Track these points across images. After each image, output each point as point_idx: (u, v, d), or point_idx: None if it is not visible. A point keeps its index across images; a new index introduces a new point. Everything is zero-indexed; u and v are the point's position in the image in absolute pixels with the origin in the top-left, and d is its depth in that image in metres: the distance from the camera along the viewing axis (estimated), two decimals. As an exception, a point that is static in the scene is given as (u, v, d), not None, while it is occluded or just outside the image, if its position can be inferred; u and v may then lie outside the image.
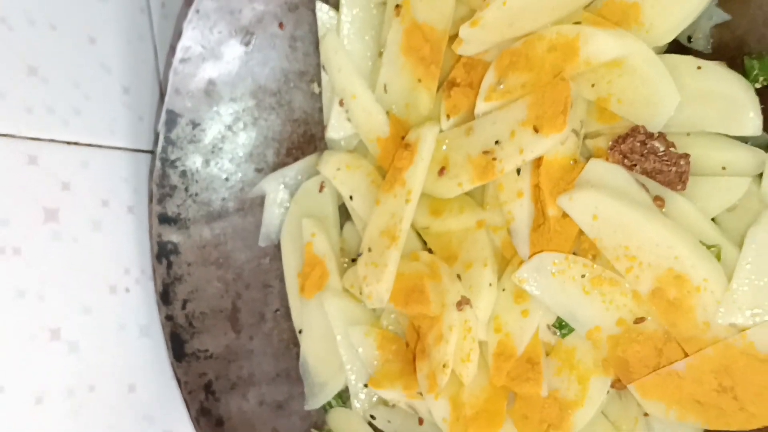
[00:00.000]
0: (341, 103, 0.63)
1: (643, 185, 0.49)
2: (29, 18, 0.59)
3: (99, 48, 0.65)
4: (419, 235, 0.60)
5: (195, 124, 0.64)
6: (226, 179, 0.66)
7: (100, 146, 0.64)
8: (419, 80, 0.58)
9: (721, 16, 0.51)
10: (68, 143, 0.61)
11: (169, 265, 0.64)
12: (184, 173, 0.64)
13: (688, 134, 0.50)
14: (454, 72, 0.58)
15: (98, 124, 0.64)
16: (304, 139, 0.67)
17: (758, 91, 0.49)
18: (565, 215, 0.51)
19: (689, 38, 0.53)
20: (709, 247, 0.47)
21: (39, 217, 0.58)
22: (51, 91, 0.60)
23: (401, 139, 0.60)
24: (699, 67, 0.49)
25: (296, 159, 0.66)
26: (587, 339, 0.51)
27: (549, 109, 0.51)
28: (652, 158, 0.48)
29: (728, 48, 0.51)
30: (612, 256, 0.49)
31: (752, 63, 0.49)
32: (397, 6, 0.58)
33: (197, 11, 0.62)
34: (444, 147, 0.58)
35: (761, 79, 0.49)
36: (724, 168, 0.49)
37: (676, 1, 0.49)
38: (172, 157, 0.64)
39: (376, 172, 0.62)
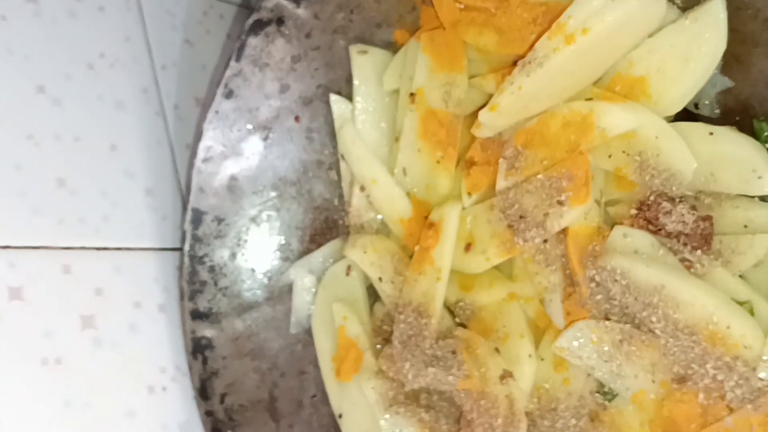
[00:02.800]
0: (362, 189, 0.65)
1: (670, 248, 0.51)
2: (55, 133, 0.61)
3: (120, 155, 0.66)
4: (450, 311, 0.62)
5: (220, 220, 0.66)
6: (254, 270, 0.67)
7: (129, 249, 0.65)
8: (438, 162, 0.61)
9: (725, 82, 0.54)
10: (99, 249, 0.62)
11: (205, 361, 0.64)
12: (212, 268, 0.66)
13: (708, 196, 0.52)
14: (472, 151, 0.60)
15: (126, 228, 0.65)
16: (326, 226, 0.69)
17: (770, 152, 0.52)
18: (596, 283, 0.53)
19: (696, 105, 0.56)
20: (741, 303, 0.49)
21: (77, 325, 0.59)
22: (80, 201, 0.62)
23: (424, 219, 0.62)
24: (711, 133, 0.52)
25: (320, 245, 0.68)
26: (632, 403, 0.52)
27: (570, 183, 0.53)
28: (676, 223, 0.50)
29: (734, 112, 0.54)
30: (647, 320, 0.50)
31: (761, 125, 0.52)
32: (411, 94, 0.61)
33: (216, 112, 0.65)
34: (468, 224, 0.60)
35: (772, 139, 0.52)
36: (746, 226, 0.51)
37: (681, 73, 0.52)
38: (200, 253, 0.65)
39: (402, 251, 0.64)
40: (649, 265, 0.50)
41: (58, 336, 0.57)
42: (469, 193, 0.60)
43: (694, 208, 0.51)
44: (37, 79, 0.60)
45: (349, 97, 0.66)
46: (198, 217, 0.65)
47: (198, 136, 0.66)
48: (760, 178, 0.50)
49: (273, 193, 0.68)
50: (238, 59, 0.64)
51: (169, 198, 0.70)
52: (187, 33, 0.77)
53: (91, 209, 0.62)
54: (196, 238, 0.65)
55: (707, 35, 0.52)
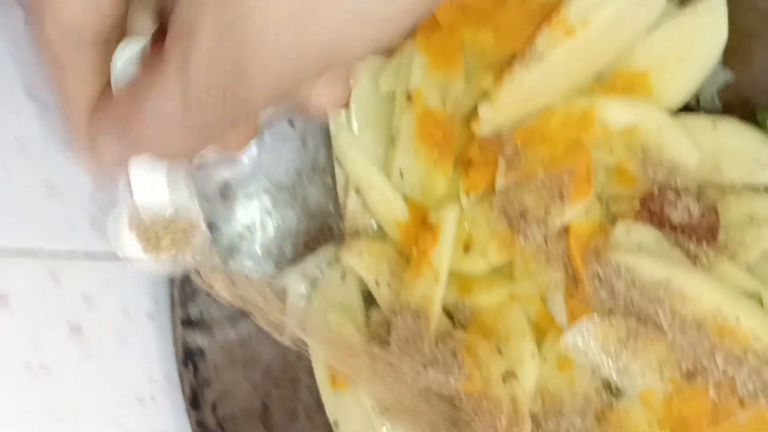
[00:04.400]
0: (357, 193, 0.64)
1: (675, 241, 0.50)
2: (43, 136, 0.60)
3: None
4: (449, 314, 0.61)
5: (212, 227, 0.65)
6: (246, 277, 0.66)
7: (117, 256, 0.64)
8: (435, 163, 0.60)
9: (726, 76, 0.54)
10: (87, 255, 0.61)
11: (196, 369, 0.63)
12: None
13: (711, 189, 0.51)
14: (470, 151, 0.59)
15: (116, 233, 0.64)
16: (321, 231, 0.67)
17: (775, 143, 0.51)
18: (599, 279, 0.52)
19: (698, 101, 0.55)
20: (749, 295, 0.48)
21: (65, 333, 0.57)
22: (68, 205, 0.60)
23: (421, 222, 0.61)
24: (714, 125, 0.51)
25: (314, 251, 0.67)
26: (640, 401, 0.51)
27: (571, 177, 0.52)
28: (682, 214, 0.49)
29: (736, 106, 0.54)
30: (653, 315, 0.49)
31: (765, 115, 0.52)
32: (408, 95, 0.60)
33: (209, 116, 0.64)
34: (466, 225, 0.59)
35: (775, 130, 0.52)
36: (751, 218, 0.50)
37: (682, 66, 0.52)
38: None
39: (399, 255, 0.63)
40: (654, 260, 0.50)
41: (44, 344, 0.55)
42: (467, 194, 0.59)
43: (698, 199, 0.51)
44: (26, 84, 0.59)
45: (344, 100, 0.65)
46: (190, 223, 0.64)
47: (190, 140, 0.64)
48: (765, 168, 0.50)
49: (266, 199, 0.66)
50: (231, 62, 0.63)
51: (159, 205, 0.69)
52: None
53: (80, 214, 0.61)
54: (187, 244, 0.64)
55: (707, 28, 0.52)
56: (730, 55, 0.53)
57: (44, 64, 0.37)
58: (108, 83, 0.37)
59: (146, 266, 0.50)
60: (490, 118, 0.55)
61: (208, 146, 0.36)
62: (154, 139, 0.34)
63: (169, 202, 0.45)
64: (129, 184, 0.44)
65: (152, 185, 0.45)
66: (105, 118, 0.37)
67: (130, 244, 0.49)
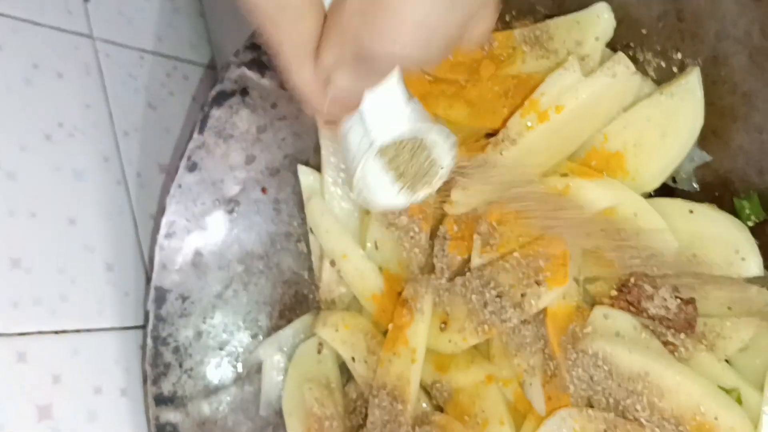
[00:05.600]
0: (332, 263, 0.62)
1: (652, 330, 0.49)
2: (9, 209, 0.59)
3: (80, 228, 0.64)
4: (427, 392, 0.59)
5: (184, 298, 0.63)
6: (221, 350, 0.64)
7: (88, 330, 0.62)
8: (411, 237, 0.59)
9: (703, 157, 0.53)
10: (57, 332, 0.60)
11: (170, 447, 0.61)
12: (177, 349, 0.63)
13: (690, 276, 0.50)
14: (446, 226, 0.58)
15: (85, 307, 0.62)
16: (296, 300, 0.66)
17: (752, 230, 0.50)
18: (577, 367, 0.51)
19: (674, 179, 0.54)
20: (728, 391, 0.47)
21: (33, 417, 0.56)
22: (36, 281, 0.59)
23: (397, 295, 0.60)
24: (691, 211, 0.50)
25: (290, 321, 0.66)
26: (620, 495, 0.50)
27: (547, 262, 0.51)
28: (659, 308, 0.48)
29: (713, 187, 0.53)
30: (631, 407, 0.48)
31: (742, 203, 0.51)
32: (382, 167, 0.59)
33: (179, 186, 0.62)
34: (443, 301, 0.57)
35: (753, 217, 0.51)
36: (729, 308, 0.49)
37: (658, 148, 0.51)
38: (164, 334, 0.62)
39: (375, 328, 0.62)
40: (631, 351, 0.48)
41: (11, 430, 0.54)
42: (443, 270, 0.57)
43: (676, 289, 0.49)
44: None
45: (318, 167, 0.64)
46: (161, 296, 0.63)
47: (161, 210, 0.63)
48: (743, 259, 0.49)
49: (240, 268, 0.65)
50: (201, 131, 0.62)
51: (131, 271, 0.68)
52: (150, 96, 0.75)
53: (48, 289, 0.60)
54: (159, 318, 0.62)
55: (684, 109, 0.51)
56: (708, 137, 0.52)
57: (260, 21, 0.36)
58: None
59: (391, 203, 0.46)
60: (464, 200, 0.54)
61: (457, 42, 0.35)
62: (409, 45, 0.33)
63: (410, 131, 0.42)
64: (363, 121, 0.40)
65: (392, 114, 0.41)
66: (334, 51, 0.36)
67: (381, 182, 0.45)
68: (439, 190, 0.57)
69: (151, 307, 0.62)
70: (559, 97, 0.51)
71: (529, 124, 0.51)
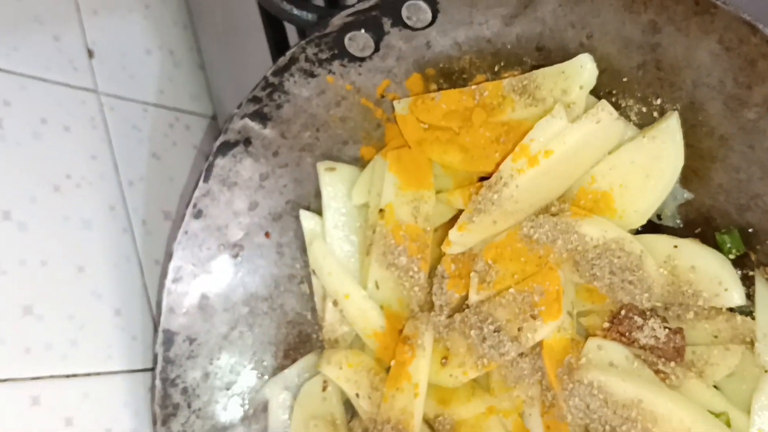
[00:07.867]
0: (335, 303, 0.65)
1: (644, 359, 0.52)
2: (20, 259, 0.60)
3: (88, 275, 0.66)
4: (430, 425, 0.61)
5: (191, 340, 0.65)
6: (227, 389, 0.66)
7: (98, 373, 0.64)
8: (411, 276, 0.61)
9: (685, 195, 0.56)
10: (68, 377, 0.61)
11: (180, 488, 0.63)
12: (185, 390, 0.64)
13: (677, 308, 0.53)
14: (443, 265, 0.61)
15: (95, 351, 0.64)
16: (299, 340, 0.68)
17: (734, 262, 0.54)
18: (574, 397, 0.53)
19: (659, 216, 0.57)
20: (717, 415, 0.50)
21: (46, 460, 0.57)
22: (47, 327, 0.60)
23: (399, 332, 0.62)
24: (675, 246, 0.53)
25: (294, 360, 0.68)
26: None
27: (542, 297, 0.54)
28: (649, 337, 0.51)
29: (696, 223, 0.56)
30: (627, 433, 0.51)
31: (723, 238, 0.54)
32: (381, 210, 0.62)
33: (186, 232, 0.65)
34: (443, 337, 0.60)
35: (734, 251, 0.54)
36: (716, 336, 0.52)
37: (643, 188, 0.54)
38: (172, 375, 0.64)
39: (378, 365, 0.64)
40: (624, 379, 0.51)
41: (25, 474, 0.55)
42: (442, 307, 0.60)
43: (664, 320, 0.52)
44: (2, 205, 0.60)
45: (319, 211, 0.67)
46: (169, 338, 0.64)
47: (167, 256, 0.65)
48: (727, 290, 0.52)
49: (245, 310, 0.67)
50: (206, 180, 0.65)
51: (139, 316, 0.69)
52: (154, 146, 0.78)
53: (59, 335, 0.61)
54: (167, 360, 0.64)
55: (665, 152, 0.54)
56: (689, 176, 0.55)
57: None
58: None
59: None
60: (460, 240, 0.56)
61: None
62: None
63: None
64: None
65: None
66: None
67: None
68: (436, 230, 0.61)
69: (159, 349, 0.64)
70: (548, 143, 0.54)
71: (520, 167, 0.54)
